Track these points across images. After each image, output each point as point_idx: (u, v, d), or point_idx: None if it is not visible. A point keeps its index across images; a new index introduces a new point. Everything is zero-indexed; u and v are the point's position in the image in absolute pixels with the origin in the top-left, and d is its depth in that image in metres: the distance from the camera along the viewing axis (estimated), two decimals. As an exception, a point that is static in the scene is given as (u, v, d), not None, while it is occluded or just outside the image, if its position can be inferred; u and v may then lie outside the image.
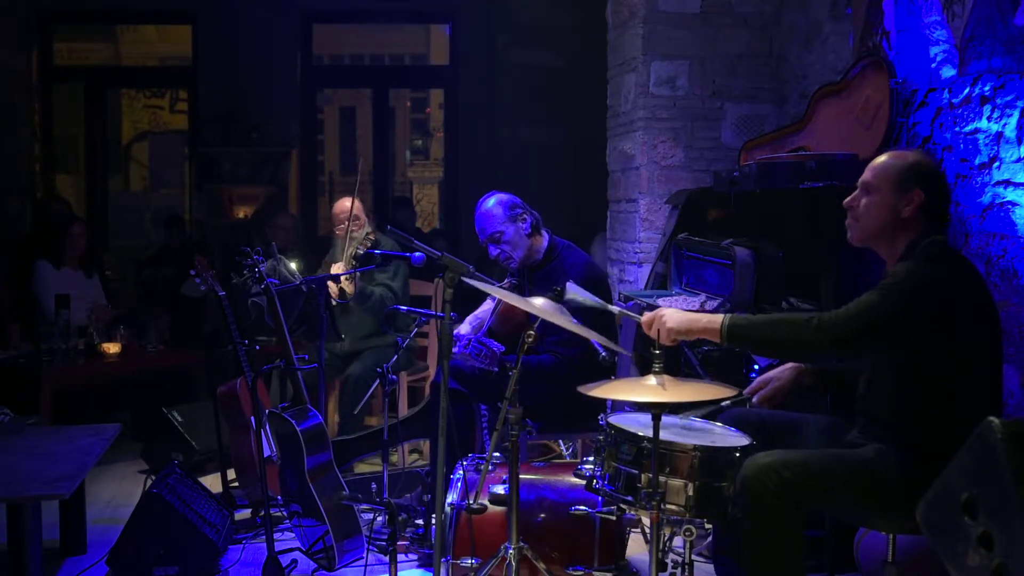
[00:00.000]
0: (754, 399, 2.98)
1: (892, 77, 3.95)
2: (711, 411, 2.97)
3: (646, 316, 2.83)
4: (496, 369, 3.81)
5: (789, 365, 3.03)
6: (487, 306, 4.24)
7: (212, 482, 4.53)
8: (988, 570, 1.91)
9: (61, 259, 5.95)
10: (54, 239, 6.02)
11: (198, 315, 6.16)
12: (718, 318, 2.73)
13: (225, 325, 4.28)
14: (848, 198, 2.80)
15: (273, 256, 4.79)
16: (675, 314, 2.79)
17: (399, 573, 3.09)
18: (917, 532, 2.39)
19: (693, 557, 2.72)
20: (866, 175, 2.78)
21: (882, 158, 2.78)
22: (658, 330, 2.75)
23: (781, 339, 2.69)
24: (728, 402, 2.97)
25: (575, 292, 2.97)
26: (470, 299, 4.43)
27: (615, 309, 3.11)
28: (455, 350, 3.85)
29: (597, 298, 3.02)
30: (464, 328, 4.16)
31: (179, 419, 5.17)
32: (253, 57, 8.60)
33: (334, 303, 4.97)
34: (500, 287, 3.62)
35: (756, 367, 3.73)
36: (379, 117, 9.70)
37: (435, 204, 14.16)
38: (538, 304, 2.90)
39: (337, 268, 4.98)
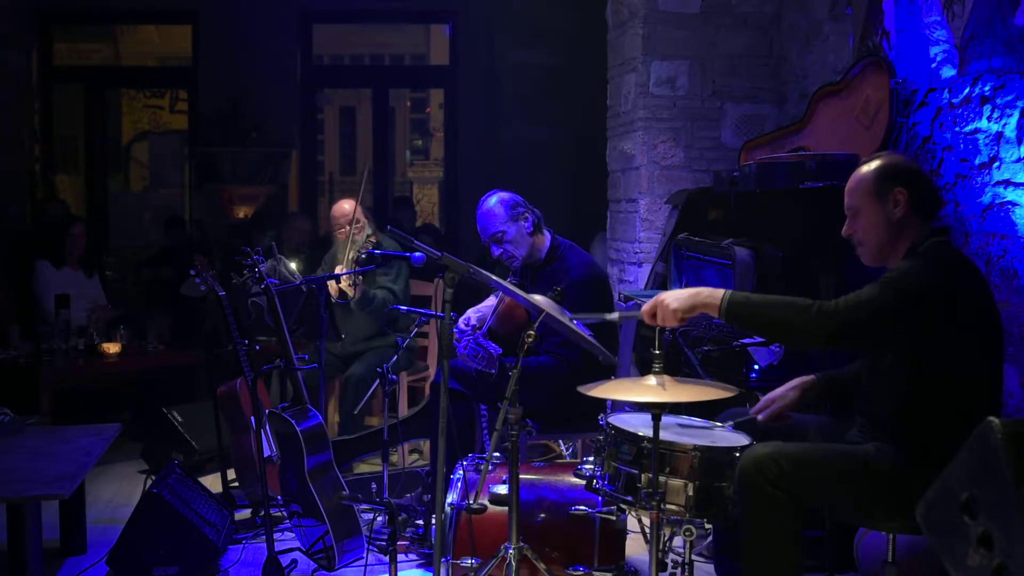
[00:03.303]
0: (760, 417, 2.97)
1: (892, 77, 3.95)
2: (740, 421, 2.95)
3: (645, 308, 2.79)
4: (494, 371, 3.81)
5: (793, 384, 2.98)
6: (490, 302, 4.23)
7: (212, 482, 4.53)
8: (988, 570, 1.90)
9: (61, 259, 5.96)
10: (54, 239, 6.02)
11: (198, 315, 6.16)
12: (719, 293, 2.70)
13: (225, 325, 4.28)
14: (843, 229, 2.79)
15: (273, 256, 4.79)
16: (675, 294, 2.75)
17: (399, 573, 3.09)
18: (917, 532, 2.39)
19: (693, 557, 2.72)
20: (847, 200, 2.77)
21: (854, 175, 2.76)
22: (662, 315, 2.72)
23: (778, 322, 2.66)
24: (732, 423, 2.96)
25: (576, 330, 2.95)
26: (470, 299, 4.43)
27: (614, 316, 3.07)
28: (457, 346, 3.85)
29: (595, 316, 3.00)
30: (470, 314, 4.13)
31: (179, 419, 5.17)
32: (253, 57, 8.60)
33: (333, 301, 4.97)
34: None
35: (756, 367, 3.73)
36: (379, 117, 9.71)
37: (435, 204, 14.18)
38: (539, 300, 2.90)
39: (340, 269, 4.98)
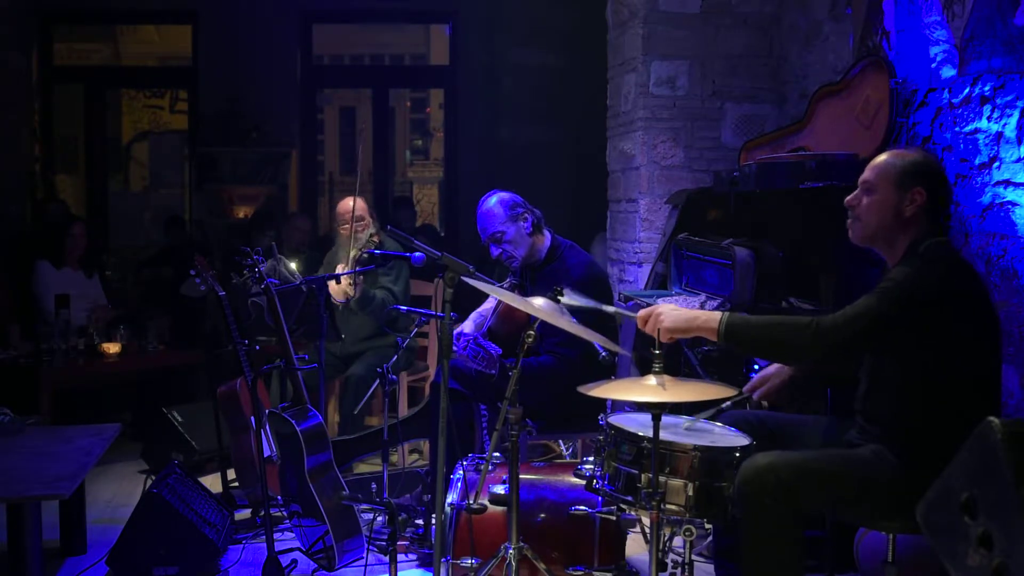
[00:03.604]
0: (754, 395, 2.97)
1: (892, 77, 3.95)
2: (713, 412, 2.96)
3: (642, 312, 2.80)
4: (495, 372, 3.82)
5: None
6: (490, 303, 4.24)
7: (212, 482, 4.53)
8: (988, 570, 1.91)
9: (61, 259, 5.96)
10: (54, 239, 6.02)
11: (198, 315, 6.16)
12: (716, 316, 2.72)
13: (225, 325, 4.28)
14: (849, 196, 2.78)
15: (273, 256, 4.79)
16: (672, 312, 2.76)
17: (399, 573, 3.09)
18: (917, 532, 2.39)
19: (693, 557, 2.72)
20: (866, 174, 2.76)
21: (883, 156, 2.76)
22: (655, 328, 2.74)
23: (778, 342, 2.67)
24: (729, 403, 2.97)
25: (570, 298, 2.96)
26: (470, 299, 4.43)
27: (610, 309, 3.09)
28: (456, 348, 3.86)
29: (592, 301, 3.00)
30: (467, 326, 4.16)
31: (179, 419, 5.17)
32: (253, 57, 8.59)
33: (335, 302, 4.98)
34: (500, 287, 3.62)
35: (756, 366, 3.72)
36: (379, 117, 9.70)
37: (435, 204, 14.18)
38: (538, 304, 2.90)
39: (341, 269, 4.98)
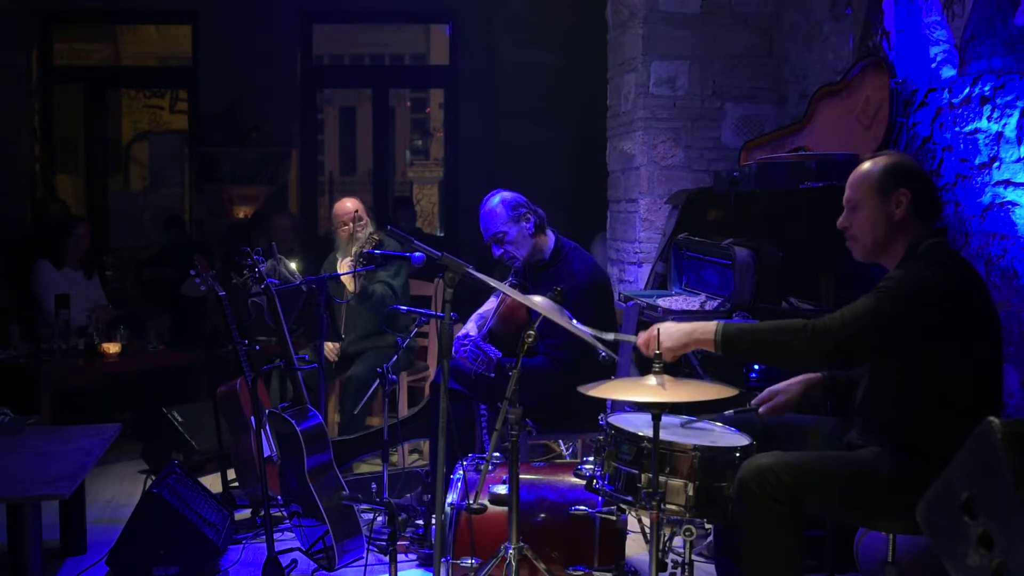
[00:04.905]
0: (760, 410, 2.97)
1: (892, 77, 3.95)
2: (714, 416, 2.95)
3: (642, 337, 2.79)
4: (493, 375, 3.82)
5: (797, 379, 3.00)
6: (490, 304, 4.23)
7: (212, 482, 4.53)
8: (988, 570, 1.90)
9: (62, 259, 5.96)
10: (55, 239, 6.02)
11: (198, 315, 6.16)
12: (711, 328, 2.71)
13: (225, 325, 4.28)
14: (839, 220, 2.78)
15: (273, 256, 4.79)
16: (670, 330, 2.75)
17: (399, 573, 3.09)
18: (917, 532, 2.39)
19: (693, 557, 2.72)
20: (848, 192, 2.75)
21: (859, 169, 2.75)
22: (656, 349, 2.72)
23: (776, 347, 2.66)
24: (732, 412, 2.97)
25: (572, 327, 2.94)
26: (470, 299, 4.43)
27: (609, 336, 3.03)
28: (455, 350, 3.86)
29: (590, 331, 2.96)
30: (469, 326, 4.16)
31: (179, 419, 5.17)
32: (253, 57, 8.59)
33: (343, 302, 4.98)
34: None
35: (756, 367, 3.73)
36: (379, 117, 9.70)
37: (435, 204, 14.17)
38: (538, 301, 2.90)
39: (345, 265, 5.01)
